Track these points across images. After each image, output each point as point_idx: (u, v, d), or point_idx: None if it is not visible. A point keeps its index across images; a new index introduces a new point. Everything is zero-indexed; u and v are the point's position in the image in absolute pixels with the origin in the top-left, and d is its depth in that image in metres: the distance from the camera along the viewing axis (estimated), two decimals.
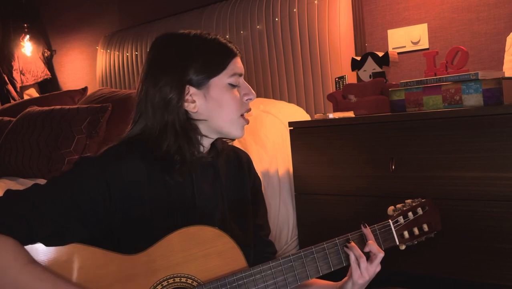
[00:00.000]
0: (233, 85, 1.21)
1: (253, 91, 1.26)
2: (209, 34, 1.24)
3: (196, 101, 1.20)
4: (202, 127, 1.21)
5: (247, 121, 1.25)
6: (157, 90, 1.18)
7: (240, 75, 1.24)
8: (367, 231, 1.21)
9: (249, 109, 1.26)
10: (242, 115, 1.23)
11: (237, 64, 1.24)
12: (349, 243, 1.18)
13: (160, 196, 1.16)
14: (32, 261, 1.02)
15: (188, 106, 1.19)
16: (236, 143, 2.16)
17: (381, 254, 1.18)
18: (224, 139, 1.31)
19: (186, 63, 1.19)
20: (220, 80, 1.20)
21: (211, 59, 1.20)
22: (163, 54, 1.22)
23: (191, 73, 1.18)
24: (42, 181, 1.38)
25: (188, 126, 1.19)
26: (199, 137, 1.21)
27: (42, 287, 1.00)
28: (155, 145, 1.16)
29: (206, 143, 1.24)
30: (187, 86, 1.19)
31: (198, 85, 1.19)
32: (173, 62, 1.20)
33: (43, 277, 1.01)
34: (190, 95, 1.19)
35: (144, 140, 1.17)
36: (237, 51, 1.25)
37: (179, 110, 1.18)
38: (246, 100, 1.24)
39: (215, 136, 1.25)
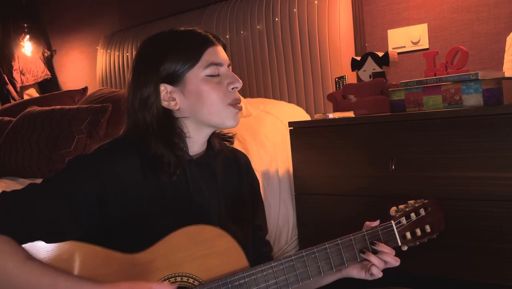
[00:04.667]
0: (212, 76, 1.17)
1: (239, 80, 1.21)
2: (187, 27, 1.21)
3: (176, 99, 1.18)
4: (191, 124, 1.20)
5: (239, 109, 1.21)
6: (137, 90, 1.18)
7: (219, 64, 1.19)
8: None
9: (238, 99, 1.21)
10: (231, 104, 1.19)
11: (214, 54, 1.19)
12: (375, 245, 1.18)
13: (156, 194, 1.15)
14: (30, 257, 1.02)
15: (169, 105, 1.18)
16: (235, 143, 2.17)
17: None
18: (223, 140, 1.31)
19: (158, 61, 1.17)
20: (196, 74, 1.17)
21: (182, 53, 1.17)
22: (141, 55, 1.22)
23: (163, 71, 1.16)
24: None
25: (167, 129, 1.17)
26: (185, 136, 1.19)
27: (42, 282, 0.99)
28: (144, 145, 1.16)
29: (201, 139, 1.22)
30: (162, 84, 1.17)
31: (173, 82, 1.17)
32: (147, 62, 1.19)
33: (43, 272, 1.00)
34: (169, 93, 1.18)
35: (135, 139, 1.17)
36: (214, 40, 1.20)
37: (156, 110, 1.16)
38: (232, 89, 1.20)
39: (208, 131, 1.23)
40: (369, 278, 1.19)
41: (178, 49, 1.17)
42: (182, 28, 1.22)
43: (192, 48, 1.17)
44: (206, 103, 1.17)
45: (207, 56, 1.18)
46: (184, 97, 1.18)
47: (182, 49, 1.17)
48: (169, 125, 1.18)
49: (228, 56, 1.24)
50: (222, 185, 1.27)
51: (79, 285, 1.00)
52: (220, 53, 1.20)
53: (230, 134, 1.33)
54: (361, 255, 1.18)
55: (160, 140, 1.15)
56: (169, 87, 1.18)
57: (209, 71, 1.17)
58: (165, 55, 1.17)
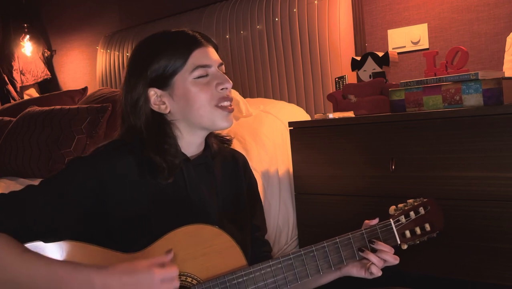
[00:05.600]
0: (200, 77, 1.16)
1: (229, 80, 1.19)
2: (178, 29, 1.21)
3: (166, 102, 1.18)
4: (184, 126, 1.20)
5: (230, 111, 1.19)
6: (128, 94, 1.19)
7: (207, 66, 1.18)
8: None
9: (228, 98, 1.19)
10: (219, 106, 1.17)
11: (203, 55, 1.18)
12: (374, 243, 1.18)
13: (155, 193, 1.15)
14: (27, 250, 1.02)
15: (160, 109, 1.18)
16: (235, 143, 2.17)
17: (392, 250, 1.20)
18: (221, 143, 1.31)
19: (146, 63, 1.17)
20: (183, 76, 1.16)
21: (169, 55, 1.16)
22: (132, 58, 1.22)
23: (151, 73, 1.16)
24: None
25: (157, 135, 1.16)
26: (178, 140, 1.19)
27: (42, 271, 1.00)
28: (139, 147, 1.16)
29: (196, 140, 1.22)
30: (152, 89, 1.17)
31: (162, 86, 1.17)
32: (137, 64, 1.20)
33: (41, 262, 1.01)
34: (159, 97, 1.17)
35: (132, 141, 1.17)
36: (203, 40, 1.19)
37: (145, 115, 1.17)
38: (221, 89, 1.18)
39: (202, 133, 1.22)
40: (368, 276, 1.19)
41: (165, 51, 1.17)
42: (173, 30, 1.22)
43: (179, 50, 1.17)
44: (195, 106, 1.17)
45: (195, 58, 1.17)
46: (173, 101, 1.18)
47: (169, 51, 1.17)
48: (159, 130, 1.18)
49: (224, 59, 1.23)
50: (221, 185, 1.27)
51: (78, 270, 1.00)
52: (209, 54, 1.19)
53: (228, 138, 1.33)
54: (360, 253, 1.18)
55: (150, 147, 1.15)
56: (159, 91, 1.18)
57: (196, 73, 1.17)
58: (152, 57, 1.17)
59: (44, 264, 1.00)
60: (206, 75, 1.18)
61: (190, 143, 1.22)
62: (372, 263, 1.17)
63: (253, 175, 1.38)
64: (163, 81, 1.17)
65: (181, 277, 1.10)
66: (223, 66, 1.23)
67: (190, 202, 1.19)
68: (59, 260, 1.03)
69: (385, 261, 1.18)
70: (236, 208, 1.29)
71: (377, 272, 1.17)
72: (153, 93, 1.18)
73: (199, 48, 1.18)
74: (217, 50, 1.23)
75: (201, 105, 1.17)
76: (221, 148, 1.31)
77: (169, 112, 1.19)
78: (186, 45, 1.17)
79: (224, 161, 1.31)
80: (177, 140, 1.20)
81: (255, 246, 1.32)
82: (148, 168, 1.15)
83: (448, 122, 1.68)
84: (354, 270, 1.21)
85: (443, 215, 1.29)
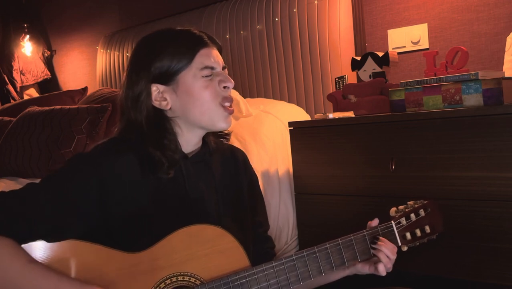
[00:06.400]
0: (204, 76, 1.18)
1: (231, 80, 1.21)
2: (183, 27, 1.22)
3: (167, 98, 1.18)
4: (183, 123, 1.20)
5: (230, 112, 1.20)
6: (129, 89, 1.19)
7: (212, 68, 1.19)
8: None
9: (228, 98, 1.20)
10: (222, 106, 1.19)
11: (208, 56, 1.19)
12: (378, 240, 1.20)
13: (154, 191, 1.16)
14: (32, 260, 1.02)
15: (160, 105, 1.18)
16: (235, 143, 2.17)
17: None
18: (219, 138, 1.31)
19: (150, 60, 1.18)
20: (188, 75, 1.17)
21: (175, 53, 1.17)
22: (135, 53, 1.23)
23: (155, 70, 1.17)
24: None
25: (157, 130, 1.17)
26: (177, 136, 1.20)
27: (44, 285, 0.99)
28: (139, 144, 1.16)
29: (194, 138, 1.23)
30: (154, 84, 1.17)
31: (165, 82, 1.18)
32: (140, 60, 1.20)
33: (45, 275, 1.00)
34: (160, 92, 1.18)
35: (131, 138, 1.18)
36: (209, 41, 1.20)
37: (146, 110, 1.17)
38: (224, 87, 1.19)
39: (200, 132, 1.23)
40: (373, 272, 1.21)
41: (171, 48, 1.17)
42: (178, 28, 1.23)
43: (185, 48, 1.17)
44: (197, 103, 1.17)
45: (200, 57, 1.18)
46: (176, 96, 1.18)
47: (175, 49, 1.17)
48: (159, 126, 1.18)
49: (224, 59, 1.24)
50: (220, 183, 1.27)
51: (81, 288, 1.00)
52: (213, 55, 1.20)
53: (226, 131, 1.33)
54: (372, 251, 1.20)
55: (150, 142, 1.15)
56: (161, 87, 1.18)
57: (202, 72, 1.17)
58: (157, 54, 1.18)
59: (48, 278, 1.00)
60: (210, 75, 1.19)
61: (188, 141, 1.22)
62: (380, 262, 1.19)
63: (253, 171, 1.38)
64: (168, 77, 1.17)
65: (184, 277, 1.10)
66: (226, 69, 1.24)
67: (189, 200, 1.19)
68: (64, 275, 1.03)
69: (385, 254, 1.19)
70: (236, 207, 1.29)
71: (382, 271, 1.19)
72: (155, 89, 1.18)
73: (205, 48, 1.19)
74: (220, 52, 1.24)
75: (204, 102, 1.17)
76: (219, 144, 1.31)
77: (170, 108, 1.19)
78: (193, 44, 1.18)
79: (223, 158, 1.31)
80: (177, 137, 1.20)
81: (258, 243, 1.32)
82: (148, 163, 1.15)
83: (448, 122, 1.68)
84: (359, 266, 1.23)
85: (443, 217, 1.30)
